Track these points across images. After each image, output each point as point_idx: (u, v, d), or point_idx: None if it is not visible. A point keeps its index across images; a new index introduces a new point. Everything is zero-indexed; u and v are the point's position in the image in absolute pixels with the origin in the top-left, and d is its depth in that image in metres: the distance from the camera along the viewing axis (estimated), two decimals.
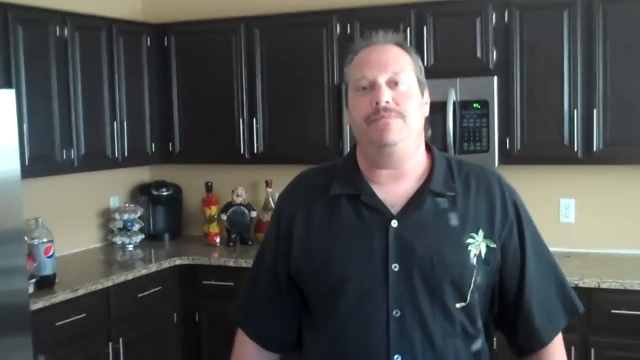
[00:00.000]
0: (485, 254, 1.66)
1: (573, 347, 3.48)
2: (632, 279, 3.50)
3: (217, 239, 4.71)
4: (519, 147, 3.89)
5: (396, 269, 1.63)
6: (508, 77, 3.89)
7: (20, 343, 3.22)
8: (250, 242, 4.62)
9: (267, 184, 4.71)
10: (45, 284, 3.56)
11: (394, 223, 1.65)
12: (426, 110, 1.74)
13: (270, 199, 4.69)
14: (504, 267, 1.70)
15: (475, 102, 3.89)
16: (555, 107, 3.81)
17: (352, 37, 4.11)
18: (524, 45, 3.86)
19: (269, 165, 4.65)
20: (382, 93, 1.62)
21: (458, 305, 1.64)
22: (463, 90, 3.90)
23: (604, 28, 3.71)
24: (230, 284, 4.15)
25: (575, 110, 3.77)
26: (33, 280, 3.48)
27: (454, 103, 3.90)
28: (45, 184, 4.12)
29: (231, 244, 4.63)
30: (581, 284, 3.49)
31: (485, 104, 3.87)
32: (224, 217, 4.66)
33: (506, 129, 3.90)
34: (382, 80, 1.64)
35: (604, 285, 3.50)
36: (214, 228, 4.74)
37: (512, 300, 1.72)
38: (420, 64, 1.73)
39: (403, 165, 1.70)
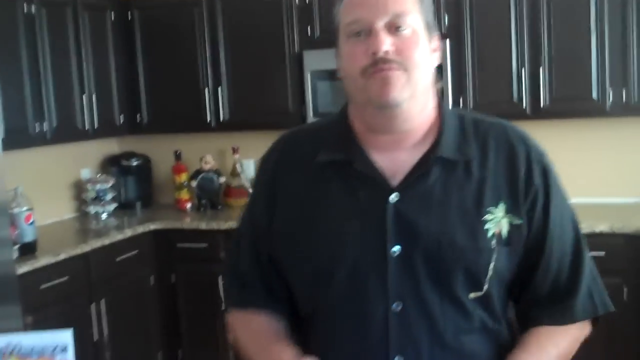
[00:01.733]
0: (509, 232, 1.38)
1: None
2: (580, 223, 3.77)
3: (188, 205, 4.90)
4: (471, 106, 4.12)
5: (396, 254, 1.35)
6: (460, 40, 4.11)
7: (10, 311, 3.34)
8: (219, 207, 4.82)
9: (234, 150, 4.89)
10: (28, 250, 3.72)
11: (394, 197, 1.37)
12: (436, 60, 1.44)
13: (237, 165, 4.87)
14: (526, 241, 1.41)
15: None
16: (504, 67, 4.05)
17: (310, 6, 4.31)
18: (473, 9, 4.08)
19: (235, 132, 4.83)
20: (380, 41, 1.32)
21: (472, 296, 1.37)
22: None
23: None
24: (203, 245, 4.36)
25: (523, 69, 4.01)
26: (16, 247, 3.63)
27: None
28: (20, 157, 4.25)
29: (202, 209, 4.82)
30: None
31: (439, 67, 4.08)
32: (193, 183, 4.84)
33: (459, 89, 4.13)
34: (380, 24, 1.33)
35: None
36: (184, 194, 4.92)
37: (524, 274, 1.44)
38: (429, 3, 1.43)
39: (408, 128, 1.40)
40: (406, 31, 1.34)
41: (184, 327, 4.54)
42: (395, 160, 1.40)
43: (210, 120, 4.70)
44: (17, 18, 4.01)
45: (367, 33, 1.34)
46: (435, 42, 1.43)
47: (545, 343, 1.39)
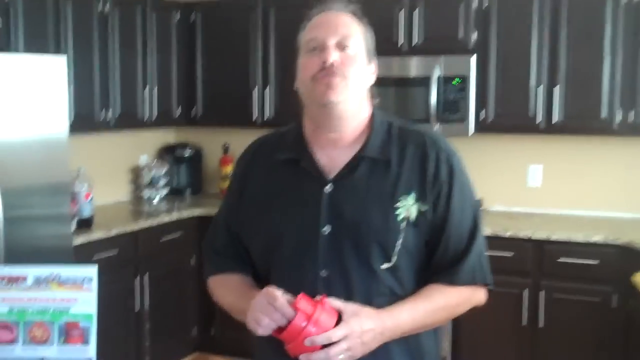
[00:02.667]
0: (416, 217, 1.69)
1: (527, 289, 4.11)
2: (577, 232, 4.09)
3: None
4: (491, 118, 4.47)
5: (326, 232, 1.68)
6: (485, 56, 4.45)
7: None
8: None
9: None
10: (85, 224, 4.20)
11: (329, 187, 1.71)
12: (372, 79, 1.79)
13: None
14: (431, 224, 1.72)
15: (456, 77, 4.46)
16: (524, 83, 4.37)
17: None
18: (499, 27, 4.42)
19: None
20: (329, 53, 1.67)
21: (384, 266, 1.68)
22: (446, 66, 4.48)
23: (568, 16, 4.27)
24: None
25: (540, 87, 4.33)
26: (74, 221, 4.12)
27: (438, 78, 4.48)
28: (85, 141, 4.74)
29: None
30: (534, 236, 4.11)
31: (464, 79, 4.44)
32: None
33: (481, 102, 4.47)
34: (331, 42, 1.69)
35: (553, 238, 4.09)
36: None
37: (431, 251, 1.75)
38: (371, 35, 1.78)
39: (343, 128, 1.74)
40: (350, 50, 1.70)
41: (218, 307, 4.93)
42: (332, 157, 1.75)
43: (257, 117, 5.13)
44: (92, 16, 4.47)
45: (320, 49, 1.69)
46: (373, 66, 1.79)
47: (421, 296, 1.70)
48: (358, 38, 1.73)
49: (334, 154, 1.75)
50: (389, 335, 1.63)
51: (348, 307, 1.59)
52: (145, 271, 4.52)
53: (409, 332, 1.68)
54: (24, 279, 1.72)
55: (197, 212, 4.96)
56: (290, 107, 4.90)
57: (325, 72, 1.67)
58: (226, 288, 1.86)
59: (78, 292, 1.73)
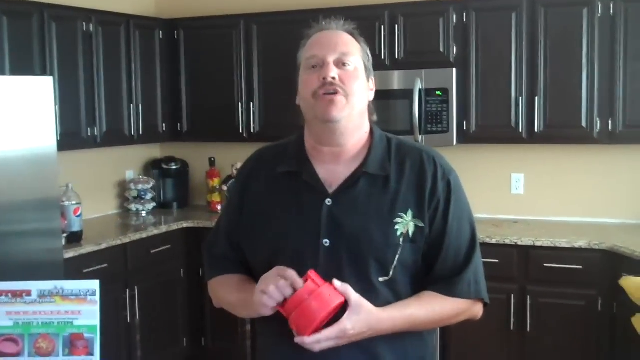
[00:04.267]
0: (413, 233, 1.72)
1: (512, 295, 4.19)
2: (561, 238, 4.19)
3: (219, 207, 5.40)
4: (474, 128, 4.56)
5: (326, 245, 1.70)
6: (465, 68, 4.55)
7: None
8: None
9: None
10: (74, 238, 4.26)
11: (329, 201, 1.73)
12: (371, 95, 1.82)
13: None
14: (429, 238, 1.75)
15: (438, 90, 4.55)
16: (504, 94, 4.47)
17: None
18: (479, 41, 4.52)
19: (264, 143, 5.26)
20: (329, 69, 1.71)
21: (381, 279, 1.71)
22: (427, 79, 4.57)
23: (545, 28, 4.37)
24: None
25: (521, 98, 4.43)
26: (64, 235, 4.16)
27: (420, 91, 4.56)
28: (72, 157, 4.76)
29: None
30: (520, 243, 4.19)
31: (445, 92, 4.53)
32: (224, 187, 5.34)
33: (464, 113, 4.57)
34: (330, 59, 1.72)
35: (538, 244, 4.18)
36: (216, 197, 5.43)
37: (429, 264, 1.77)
38: (369, 53, 1.83)
39: (344, 144, 1.77)
40: (349, 67, 1.74)
41: (208, 317, 5.03)
42: (333, 172, 1.77)
43: (242, 131, 5.19)
44: (77, 35, 4.54)
45: (320, 65, 1.74)
46: (372, 83, 1.83)
47: (420, 300, 1.75)
48: (357, 56, 1.77)
49: (334, 169, 1.78)
50: (377, 333, 1.68)
51: (354, 299, 1.63)
52: (135, 284, 4.58)
53: (399, 331, 1.72)
54: (29, 293, 1.77)
55: (184, 224, 5.03)
56: (277, 120, 5.13)
57: (326, 88, 1.70)
58: (228, 286, 1.87)
59: (82, 305, 1.78)
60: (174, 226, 4.97)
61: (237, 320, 4.71)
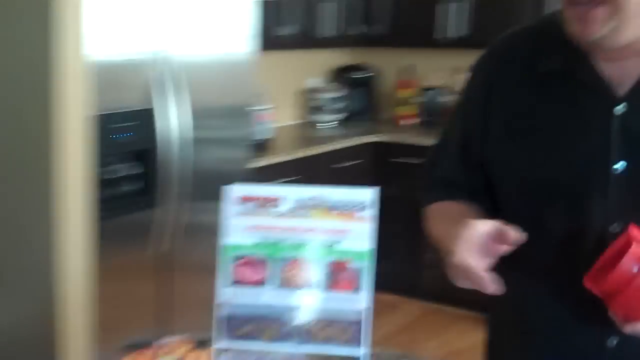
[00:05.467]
0: None
1: None
2: None
3: (411, 121, 4.90)
4: None
5: (619, 171, 1.24)
6: None
7: None
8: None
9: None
10: (263, 147, 3.93)
11: (621, 108, 1.25)
12: None
13: None
14: None
15: None
16: None
17: None
18: None
19: (472, 50, 4.70)
20: None
21: None
22: None
23: None
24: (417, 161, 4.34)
25: None
26: (254, 143, 3.80)
27: None
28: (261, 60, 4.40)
29: (423, 126, 4.82)
30: None
31: None
32: (419, 99, 4.83)
33: None
34: None
35: None
36: (408, 110, 4.92)
37: None
38: None
39: (625, 47, 1.24)
40: None
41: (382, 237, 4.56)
42: (622, 66, 1.25)
43: (444, 36, 4.59)
44: None
45: None
46: None
47: None
48: None
49: (622, 63, 1.24)
50: None
51: None
52: None
53: None
54: (281, 201, 1.32)
55: (373, 138, 4.64)
56: (491, 22, 4.46)
57: None
58: (442, 215, 1.44)
59: (350, 222, 1.31)
60: (365, 139, 4.59)
61: (420, 243, 4.21)
